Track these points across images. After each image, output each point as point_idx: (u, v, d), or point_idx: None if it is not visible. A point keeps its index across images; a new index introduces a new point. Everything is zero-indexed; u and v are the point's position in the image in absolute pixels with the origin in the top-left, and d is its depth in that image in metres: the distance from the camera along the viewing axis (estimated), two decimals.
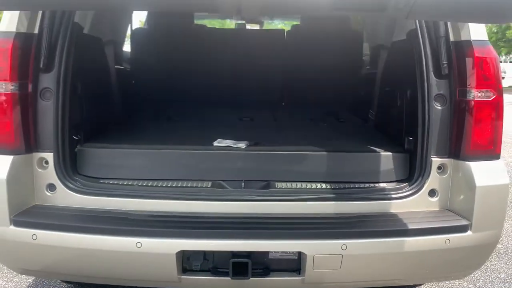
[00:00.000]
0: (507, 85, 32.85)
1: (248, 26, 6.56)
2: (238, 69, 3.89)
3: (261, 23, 6.51)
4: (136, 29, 3.94)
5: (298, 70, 3.88)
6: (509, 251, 3.78)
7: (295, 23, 6.23)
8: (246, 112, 3.43)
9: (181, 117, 3.24)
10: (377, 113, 3.04)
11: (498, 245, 3.85)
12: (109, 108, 2.95)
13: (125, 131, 2.74)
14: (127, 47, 3.99)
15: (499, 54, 32.72)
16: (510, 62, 40.64)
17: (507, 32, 28.99)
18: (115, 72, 2.99)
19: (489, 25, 30.44)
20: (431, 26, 2.21)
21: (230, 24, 6.97)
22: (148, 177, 2.27)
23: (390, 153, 2.34)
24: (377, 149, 2.37)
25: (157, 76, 3.81)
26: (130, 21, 3.93)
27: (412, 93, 2.37)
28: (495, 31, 30.25)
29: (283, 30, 4.02)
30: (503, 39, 29.74)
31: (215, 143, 2.42)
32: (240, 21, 6.44)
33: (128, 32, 3.91)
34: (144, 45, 3.81)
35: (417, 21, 2.26)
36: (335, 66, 3.81)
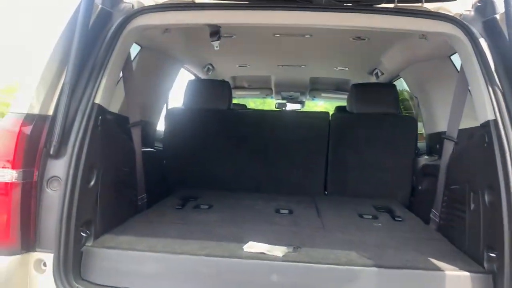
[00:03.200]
0: None
1: (290, 106, 6.35)
2: (277, 154, 3.54)
3: (302, 103, 6.28)
4: (172, 108, 3.74)
5: (344, 156, 3.48)
6: None
7: (338, 104, 5.96)
8: (284, 202, 3.01)
9: (210, 206, 2.87)
10: (441, 214, 2.53)
11: None
12: (129, 197, 2.61)
13: (145, 224, 2.38)
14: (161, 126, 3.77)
15: None
16: None
17: None
18: (141, 155, 2.70)
19: None
20: None
21: (272, 102, 6.80)
22: None
23: (467, 273, 1.83)
24: (450, 267, 1.86)
25: (189, 159, 3.52)
26: (166, 101, 3.74)
27: (491, 197, 1.91)
28: None
29: (327, 113, 3.69)
30: None
31: (245, 248, 2.00)
32: (281, 101, 6.25)
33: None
34: (178, 125, 3.58)
35: (497, 110, 1.87)
36: (386, 153, 3.38)
